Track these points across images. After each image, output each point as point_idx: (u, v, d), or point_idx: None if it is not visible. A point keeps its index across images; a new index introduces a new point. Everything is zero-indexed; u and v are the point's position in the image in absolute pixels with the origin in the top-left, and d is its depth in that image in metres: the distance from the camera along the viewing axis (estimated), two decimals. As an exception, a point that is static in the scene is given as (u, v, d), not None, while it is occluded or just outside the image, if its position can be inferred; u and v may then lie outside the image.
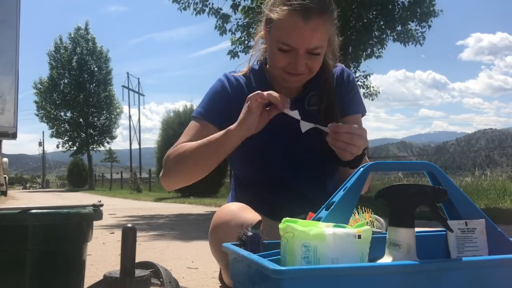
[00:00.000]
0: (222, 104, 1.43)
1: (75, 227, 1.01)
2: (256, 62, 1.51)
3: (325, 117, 1.38)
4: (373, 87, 11.68)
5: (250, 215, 1.20)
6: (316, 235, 0.68)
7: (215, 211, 1.36)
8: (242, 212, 1.22)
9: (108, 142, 36.77)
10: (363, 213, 0.96)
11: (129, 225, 0.83)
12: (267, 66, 1.45)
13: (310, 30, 1.25)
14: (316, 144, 1.36)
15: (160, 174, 1.42)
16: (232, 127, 1.27)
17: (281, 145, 1.42)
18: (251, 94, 1.22)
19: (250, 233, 0.82)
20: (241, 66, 1.55)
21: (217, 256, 1.29)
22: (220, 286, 1.61)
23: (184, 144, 1.38)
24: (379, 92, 11.78)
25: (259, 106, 1.21)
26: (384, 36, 10.02)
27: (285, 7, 1.26)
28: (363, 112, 1.52)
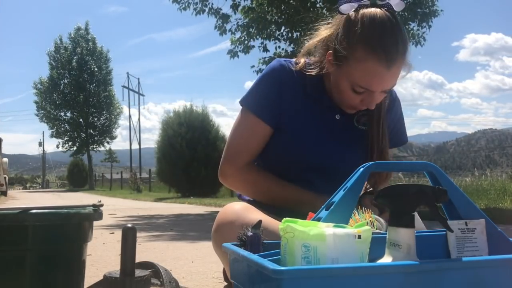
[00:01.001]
0: (276, 100, 1.35)
1: (75, 227, 1.01)
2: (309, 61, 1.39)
3: (372, 141, 1.37)
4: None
5: (255, 215, 1.20)
6: (316, 235, 0.68)
7: (215, 211, 1.36)
8: (246, 212, 1.22)
9: (108, 142, 36.78)
10: (363, 213, 0.96)
11: (129, 225, 0.84)
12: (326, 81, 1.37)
13: (391, 75, 1.20)
14: (356, 141, 1.36)
15: (223, 171, 1.43)
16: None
17: (323, 136, 1.37)
18: None
19: (250, 233, 0.82)
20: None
21: (221, 256, 1.29)
22: (225, 286, 1.61)
23: (262, 177, 1.38)
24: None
25: None
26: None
27: (367, 51, 1.17)
28: (406, 140, 1.51)
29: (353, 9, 1.22)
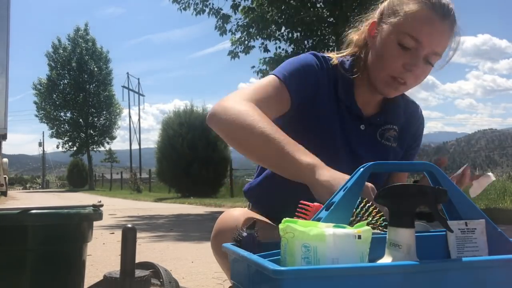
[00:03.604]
0: (308, 79, 1.25)
1: (75, 227, 1.01)
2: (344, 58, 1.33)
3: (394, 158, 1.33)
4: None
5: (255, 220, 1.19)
6: (316, 235, 0.68)
7: (215, 212, 1.36)
8: (245, 218, 1.21)
9: (108, 143, 36.81)
10: (368, 206, 0.94)
11: (129, 225, 0.83)
12: (359, 69, 1.30)
13: (442, 31, 1.17)
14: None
15: (212, 112, 1.17)
16: (311, 164, 0.99)
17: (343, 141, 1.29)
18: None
19: (245, 234, 0.82)
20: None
21: (221, 262, 1.28)
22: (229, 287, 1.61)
23: (253, 110, 1.11)
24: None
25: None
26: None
27: (420, 2, 1.16)
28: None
29: None
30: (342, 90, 1.29)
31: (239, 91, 1.22)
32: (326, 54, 1.34)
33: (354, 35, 1.33)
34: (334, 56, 1.32)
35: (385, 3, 1.25)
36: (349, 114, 1.30)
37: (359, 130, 1.31)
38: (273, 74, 1.25)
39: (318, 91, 1.26)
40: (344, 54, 1.33)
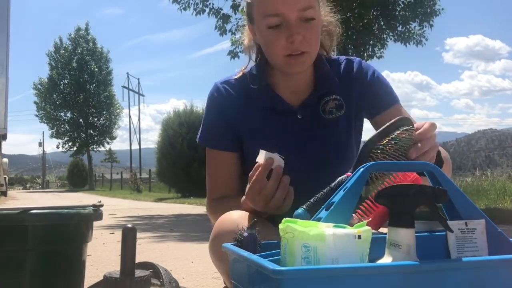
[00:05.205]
0: (225, 125, 1.35)
1: (75, 227, 1.01)
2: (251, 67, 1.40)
3: (355, 124, 1.34)
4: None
5: None
6: (316, 235, 0.68)
7: (215, 212, 1.36)
8: (245, 221, 1.19)
9: (108, 143, 36.81)
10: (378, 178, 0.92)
11: (129, 225, 0.83)
12: (264, 64, 1.35)
13: None
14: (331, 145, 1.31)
15: (210, 212, 1.40)
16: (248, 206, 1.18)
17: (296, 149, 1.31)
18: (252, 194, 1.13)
19: (245, 234, 0.82)
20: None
21: (218, 265, 1.26)
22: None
23: (224, 204, 1.31)
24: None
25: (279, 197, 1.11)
26: (385, 36, 10.01)
27: None
28: (398, 100, 1.36)
29: None
30: (257, 96, 1.33)
31: (208, 194, 1.39)
32: (236, 72, 1.41)
33: (245, 42, 1.42)
34: (241, 70, 1.39)
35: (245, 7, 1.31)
36: (279, 113, 1.32)
37: (297, 121, 1.31)
38: (203, 145, 1.39)
39: (234, 123, 1.34)
40: (246, 66, 1.40)
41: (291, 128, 1.31)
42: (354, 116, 1.36)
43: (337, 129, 1.32)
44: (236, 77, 1.39)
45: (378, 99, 1.34)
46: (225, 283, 1.47)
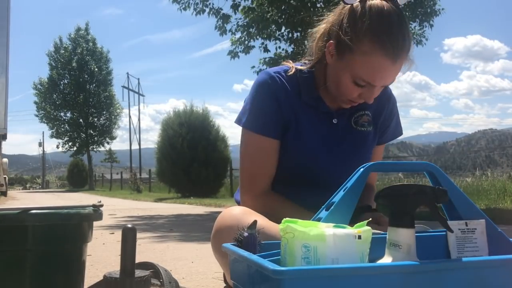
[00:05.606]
0: (275, 112, 1.33)
1: (75, 227, 1.01)
2: (302, 63, 1.40)
3: (376, 141, 1.42)
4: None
5: (254, 218, 1.18)
6: (316, 235, 0.68)
7: (215, 212, 1.36)
8: (246, 217, 1.19)
9: (108, 143, 36.78)
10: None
11: (129, 225, 0.83)
12: (320, 78, 1.35)
13: (395, 70, 1.20)
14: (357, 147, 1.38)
15: (243, 201, 1.36)
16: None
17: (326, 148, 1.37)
18: None
19: (246, 234, 0.82)
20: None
21: (220, 260, 1.27)
22: (224, 287, 1.61)
23: (280, 205, 1.32)
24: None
25: None
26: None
27: (374, 44, 1.15)
28: (401, 133, 1.52)
29: (358, 0, 1.21)
30: (305, 94, 1.35)
31: (248, 182, 1.36)
32: (284, 63, 1.40)
33: (314, 44, 1.35)
34: (292, 65, 1.37)
35: (345, 19, 1.23)
36: (318, 113, 1.36)
37: (332, 125, 1.37)
38: (247, 130, 1.34)
39: (282, 111, 1.33)
40: (303, 68, 1.37)
41: (329, 129, 1.37)
42: (376, 136, 1.45)
43: (365, 141, 1.40)
44: (289, 72, 1.37)
45: (387, 131, 1.47)
46: (225, 283, 1.48)
